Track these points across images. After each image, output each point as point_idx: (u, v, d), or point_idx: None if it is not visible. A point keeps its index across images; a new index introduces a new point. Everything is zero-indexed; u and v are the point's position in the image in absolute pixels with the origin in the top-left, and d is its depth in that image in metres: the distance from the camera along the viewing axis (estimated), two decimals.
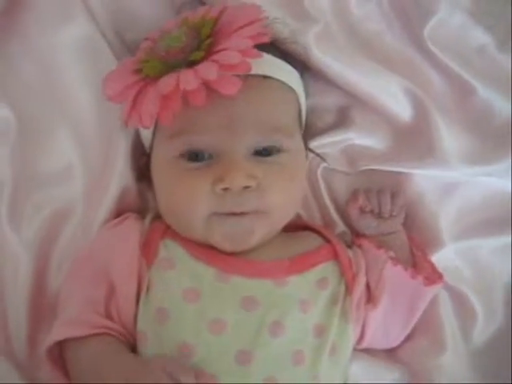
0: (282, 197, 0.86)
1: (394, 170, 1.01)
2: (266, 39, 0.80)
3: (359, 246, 0.97)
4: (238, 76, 0.78)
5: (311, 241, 0.95)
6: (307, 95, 0.97)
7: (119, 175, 0.96)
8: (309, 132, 1.00)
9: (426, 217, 1.01)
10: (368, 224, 0.99)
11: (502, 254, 1.02)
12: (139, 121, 0.79)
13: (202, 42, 0.81)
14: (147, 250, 0.88)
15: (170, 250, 0.88)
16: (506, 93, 1.00)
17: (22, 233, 0.95)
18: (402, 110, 1.01)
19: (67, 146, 0.97)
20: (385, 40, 1.03)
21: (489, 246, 1.02)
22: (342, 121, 1.03)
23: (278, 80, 0.88)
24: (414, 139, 1.01)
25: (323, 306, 0.88)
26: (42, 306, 0.94)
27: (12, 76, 0.96)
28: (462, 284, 1.00)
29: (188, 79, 0.76)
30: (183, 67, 0.80)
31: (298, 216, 0.99)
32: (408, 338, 0.97)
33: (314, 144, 1.01)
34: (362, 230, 1.00)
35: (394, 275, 0.92)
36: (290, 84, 0.91)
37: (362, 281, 0.92)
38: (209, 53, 0.80)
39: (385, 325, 0.93)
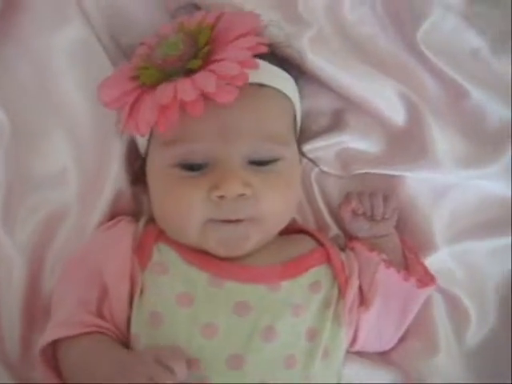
0: (277, 205, 0.87)
1: (387, 173, 1.01)
2: (264, 49, 0.80)
3: (352, 249, 0.97)
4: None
5: (305, 244, 0.95)
6: (301, 99, 0.97)
7: (113, 178, 0.96)
8: (303, 136, 1.00)
9: (419, 220, 1.02)
10: (360, 226, 0.99)
11: (494, 256, 1.02)
12: (136, 129, 0.79)
13: (199, 50, 0.81)
14: (141, 254, 0.88)
15: (163, 254, 0.88)
16: (499, 96, 1.01)
17: (16, 235, 0.95)
18: (396, 113, 1.02)
19: (61, 148, 0.97)
20: (378, 43, 1.03)
21: (481, 248, 1.02)
22: (335, 124, 1.04)
23: (273, 88, 0.88)
24: (407, 142, 1.01)
25: (316, 309, 0.88)
26: (35, 308, 0.95)
27: (7, 78, 0.96)
28: (454, 286, 1.01)
29: (186, 90, 0.76)
30: (180, 75, 0.80)
31: (292, 219, 0.99)
32: (401, 340, 0.98)
33: (307, 147, 1.01)
34: (355, 233, 1.00)
35: (386, 278, 0.93)
36: (285, 91, 0.91)
37: (354, 284, 0.92)
38: (206, 62, 0.80)
39: (378, 327, 0.94)
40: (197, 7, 0.96)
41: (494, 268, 1.03)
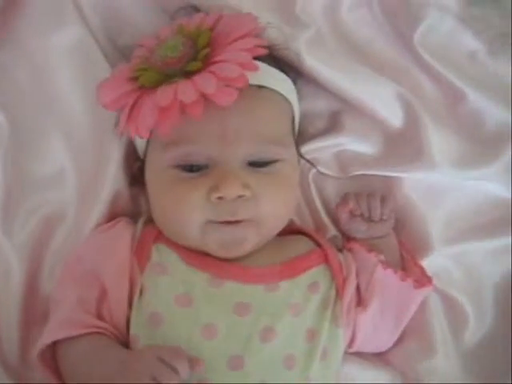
0: (276, 206, 0.87)
1: (384, 175, 1.02)
2: (263, 51, 0.81)
3: (350, 250, 0.98)
4: None
5: (303, 245, 0.95)
6: (299, 100, 0.98)
7: (112, 179, 0.96)
8: (300, 137, 1.00)
9: (417, 221, 1.02)
10: (358, 228, 0.99)
11: (492, 257, 1.03)
12: (136, 131, 0.79)
13: (198, 52, 0.81)
14: (139, 254, 0.88)
15: (162, 254, 0.88)
16: (497, 98, 1.02)
17: (14, 237, 0.95)
18: (393, 115, 1.02)
19: (60, 150, 0.97)
20: (376, 45, 1.04)
21: (479, 249, 1.03)
22: (333, 126, 1.04)
23: (272, 90, 0.89)
24: (404, 144, 1.01)
25: (314, 310, 0.88)
26: (33, 309, 0.94)
27: (5, 80, 0.96)
28: (452, 287, 1.01)
29: (186, 91, 0.76)
30: (180, 77, 0.80)
31: (290, 220, 0.99)
32: (399, 340, 0.98)
33: (305, 149, 1.01)
34: (352, 234, 1.00)
35: (384, 278, 0.93)
36: (284, 93, 0.91)
37: (352, 285, 0.92)
38: (206, 63, 0.80)
39: (375, 328, 0.94)
40: (196, 9, 0.96)
41: (491, 269, 1.03)
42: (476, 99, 1.01)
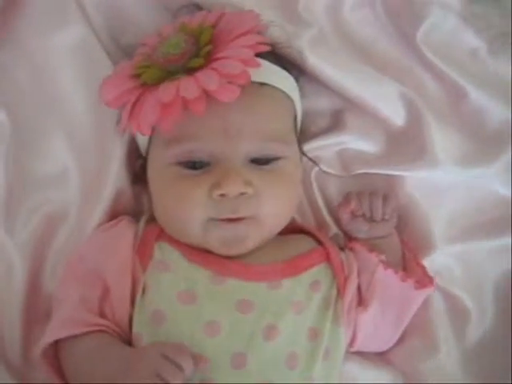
0: (278, 204, 0.87)
1: (387, 173, 1.02)
2: (265, 48, 0.81)
3: (351, 249, 0.97)
4: None
5: (305, 243, 0.95)
6: (302, 98, 0.97)
7: (114, 178, 0.96)
8: (303, 135, 1.00)
9: (419, 219, 1.02)
10: (359, 228, 0.99)
11: (494, 255, 1.02)
12: (138, 128, 0.79)
13: (200, 49, 0.81)
14: (142, 253, 0.88)
15: (164, 252, 0.88)
16: (499, 96, 1.02)
17: (17, 235, 0.95)
18: (395, 113, 1.02)
19: (62, 149, 0.97)
20: (378, 44, 1.04)
21: (481, 248, 1.03)
22: (335, 124, 1.04)
23: (274, 87, 0.89)
24: (407, 142, 1.02)
25: (316, 309, 0.88)
26: (36, 308, 0.94)
27: (7, 79, 0.96)
28: (454, 285, 1.01)
29: (188, 88, 0.76)
30: (182, 74, 0.80)
31: (292, 219, 0.99)
32: (401, 340, 0.98)
33: (307, 147, 1.01)
34: (354, 234, 1.00)
35: (384, 279, 0.93)
36: (286, 91, 0.91)
37: (353, 284, 0.92)
38: (208, 60, 0.80)
39: (376, 328, 0.94)
40: (198, 7, 0.96)
41: (493, 267, 1.03)
42: (478, 97, 1.01)
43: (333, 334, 0.88)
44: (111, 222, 0.94)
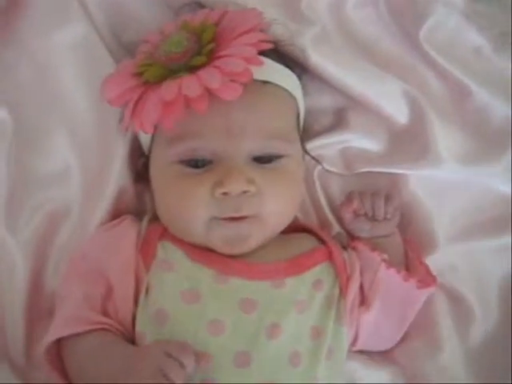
0: (281, 202, 0.87)
1: (390, 172, 1.02)
2: (268, 46, 0.81)
3: (354, 249, 0.97)
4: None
5: (307, 242, 0.95)
6: (304, 97, 0.97)
7: (116, 176, 0.96)
8: (305, 134, 1.00)
9: (422, 218, 1.02)
10: (362, 227, 0.99)
11: (497, 254, 1.02)
12: (140, 126, 0.79)
13: (203, 47, 0.81)
14: (145, 252, 0.88)
15: (167, 251, 0.88)
16: (502, 94, 1.01)
17: (19, 233, 0.94)
18: (399, 111, 1.02)
19: (64, 147, 0.97)
20: (381, 42, 1.04)
21: (485, 246, 1.02)
22: (338, 122, 1.04)
23: (277, 85, 0.89)
24: (410, 141, 1.01)
25: (319, 308, 0.88)
26: (38, 307, 0.94)
27: (9, 78, 0.96)
28: (457, 284, 1.01)
29: (191, 86, 0.76)
30: (184, 72, 0.80)
31: (295, 217, 0.98)
32: (404, 339, 0.97)
33: (310, 146, 1.01)
34: (356, 233, 1.00)
35: (387, 278, 0.93)
36: (289, 89, 0.91)
37: (355, 283, 0.92)
38: (210, 58, 0.80)
39: (378, 327, 0.93)
40: (200, 5, 0.96)
41: (497, 266, 1.02)
42: (481, 96, 1.01)
43: (335, 333, 0.88)
44: (114, 221, 0.94)
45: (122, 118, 0.86)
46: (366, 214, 0.98)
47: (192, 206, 0.85)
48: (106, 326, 0.83)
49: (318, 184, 1.03)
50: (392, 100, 1.02)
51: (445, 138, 1.00)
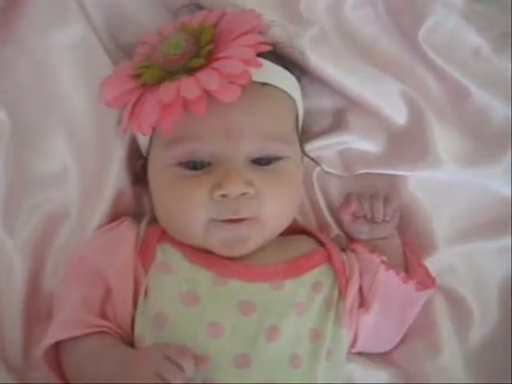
0: (279, 204, 0.87)
1: (389, 173, 1.01)
2: (267, 48, 0.81)
3: (353, 250, 0.97)
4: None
5: (306, 244, 0.95)
6: (303, 98, 0.97)
7: (115, 178, 0.95)
8: (304, 135, 1.00)
9: (421, 219, 1.01)
10: (360, 229, 0.99)
11: (497, 255, 1.02)
12: (139, 128, 0.79)
13: (201, 49, 0.81)
14: (144, 254, 0.88)
15: (166, 254, 0.88)
16: (502, 95, 1.01)
17: (17, 235, 0.94)
18: (398, 113, 1.02)
19: (62, 148, 0.96)
20: (380, 43, 1.03)
21: (484, 248, 1.02)
22: (337, 124, 1.04)
23: (276, 87, 0.88)
24: (409, 142, 1.01)
25: (318, 310, 0.88)
26: (36, 308, 0.94)
27: (7, 78, 0.96)
28: (457, 286, 1.01)
29: (189, 88, 0.76)
30: (182, 74, 0.80)
31: (294, 219, 0.98)
32: (403, 340, 0.97)
33: (309, 147, 1.01)
34: (355, 235, 1.00)
35: (386, 280, 0.92)
36: (288, 90, 0.91)
37: (354, 285, 0.92)
38: (209, 60, 0.80)
39: (377, 329, 0.93)
40: (199, 7, 0.96)
41: (496, 267, 1.02)
42: (481, 97, 1.01)
43: (334, 335, 0.88)
44: (113, 224, 0.94)
45: (120, 119, 0.86)
46: (364, 216, 0.98)
47: (191, 208, 0.84)
48: (104, 329, 0.82)
49: (316, 185, 1.03)
50: (391, 101, 1.02)
51: (444, 139, 1.00)
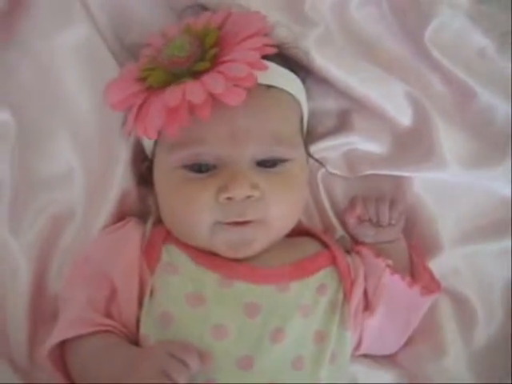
0: (285, 206, 0.87)
1: (394, 175, 1.01)
2: (272, 50, 0.80)
3: (358, 253, 0.97)
4: None
5: (311, 246, 0.94)
6: (308, 99, 0.97)
7: (120, 179, 0.95)
8: (309, 136, 1.00)
9: (426, 221, 1.01)
10: (366, 233, 0.99)
11: (502, 257, 1.02)
12: (144, 132, 0.79)
13: (206, 52, 0.81)
14: (149, 255, 0.88)
15: (172, 255, 0.88)
16: (506, 96, 1.01)
17: (22, 236, 0.94)
18: (403, 113, 1.02)
19: (67, 149, 0.96)
20: (385, 44, 1.03)
21: (489, 249, 1.02)
22: (342, 125, 1.04)
23: (281, 89, 0.88)
24: (414, 143, 1.01)
25: (323, 312, 0.88)
26: (41, 309, 0.94)
27: (12, 80, 0.96)
28: (462, 288, 1.01)
29: (194, 92, 0.76)
30: (187, 77, 0.79)
31: (298, 221, 0.98)
32: (408, 342, 0.97)
33: (314, 148, 1.01)
34: (360, 239, 1.00)
35: (391, 284, 0.92)
36: (293, 93, 0.90)
37: (359, 288, 0.92)
38: (214, 63, 0.80)
39: (382, 332, 0.93)
40: (203, 8, 0.95)
41: (501, 269, 1.02)
42: (486, 97, 1.01)
43: (339, 337, 0.88)
44: (118, 224, 0.94)
45: (125, 121, 0.85)
46: (370, 220, 0.98)
47: (196, 211, 0.84)
48: (109, 328, 0.83)
49: (321, 187, 1.03)
50: (395, 102, 1.01)
51: (449, 139, 1.00)
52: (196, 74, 0.79)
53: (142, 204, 0.99)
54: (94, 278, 0.87)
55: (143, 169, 0.96)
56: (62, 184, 0.96)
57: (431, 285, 0.94)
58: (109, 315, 0.84)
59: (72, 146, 0.96)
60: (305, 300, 0.87)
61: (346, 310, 0.89)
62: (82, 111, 0.96)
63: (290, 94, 0.90)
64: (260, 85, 0.81)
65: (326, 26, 1.00)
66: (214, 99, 0.76)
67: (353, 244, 1.01)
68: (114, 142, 0.96)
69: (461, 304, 1.00)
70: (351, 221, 0.99)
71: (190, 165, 0.85)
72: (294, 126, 0.92)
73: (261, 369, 0.82)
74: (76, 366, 0.83)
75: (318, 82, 1.00)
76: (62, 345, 0.84)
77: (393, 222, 0.98)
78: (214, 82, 0.76)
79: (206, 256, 0.88)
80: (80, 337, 0.82)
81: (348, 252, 0.97)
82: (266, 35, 0.83)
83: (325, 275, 0.91)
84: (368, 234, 0.98)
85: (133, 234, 0.90)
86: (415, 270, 0.97)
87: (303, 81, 0.95)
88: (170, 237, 0.90)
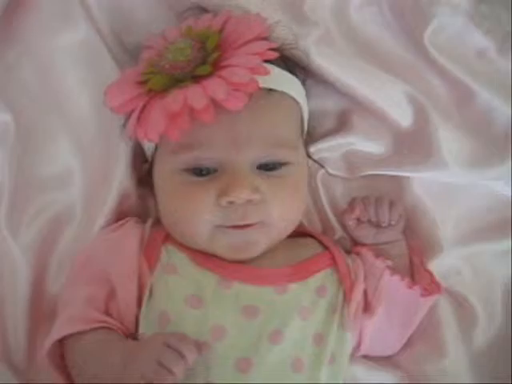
0: (285, 209, 0.87)
1: (393, 175, 1.01)
2: (273, 55, 0.80)
3: (357, 254, 0.97)
4: None
5: (311, 248, 0.95)
6: (308, 100, 0.97)
7: (119, 180, 0.95)
8: (309, 137, 1.00)
9: (426, 221, 1.01)
10: (366, 234, 0.99)
11: (502, 257, 1.02)
12: (145, 136, 0.79)
13: (207, 56, 0.81)
14: (149, 255, 0.88)
15: (171, 255, 0.88)
16: (506, 96, 1.01)
17: (21, 237, 0.94)
18: (402, 114, 1.01)
19: (67, 150, 0.97)
20: (385, 44, 1.03)
21: (489, 249, 1.02)
22: (341, 125, 1.03)
23: (282, 92, 0.88)
24: (414, 144, 1.01)
25: (322, 314, 0.88)
26: (40, 310, 0.94)
27: (12, 81, 0.96)
28: (462, 288, 1.01)
29: (196, 97, 0.75)
30: (189, 81, 0.79)
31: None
32: (408, 343, 0.97)
33: (313, 149, 1.01)
34: (360, 240, 1.00)
35: (390, 285, 0.92)
36: (293, 95, 0.90)
37: (359, 289, 0.92)
38: (215, 67, 0.79)
39: (382, 333, 0.93)
40: (204, 10, 0.95)
41: (501, 269, 1.02)
42: (486, 98, 1.01)
43: (339, 339, 0.88)
44: (117, 223, 0.94)
45: (125, 123, 0.85)
46: (369, 221, 0.98)
47: (197, 215, 0.84)
48: (108, 325, 0.83)
49: (321, 188, 1.03)
50: (395, 102, 1.01)
51: (448, 140, 1.00)
52: (197, 78, 0.79)
53: (142, 205, 0.99)
54: (94, 278, 0.87)
55: (143, 171, 0.97)
56: (62, 185, 0.96)
57: (431, 286, 0.94)
58: (108, 314, 0.85)
59: (72, 146, 0.97)
60: (304, 302, 0.87)
61: (345, 311, 0.90)
62: (82, 112, 0.97)
63: (291, 97, 0.90)
64: (261, 88, 0.81)
65: (325, 26, 1.00)
66: (215, 104, 0.76)
67: (352, 245, 1.01)
68: (113, 143, 0.96)
69: (461, 305, 1.00)
70: (350, 222, 0.99)
71: (191, 168, 0.85)
72: (294, 128, 0.92)
73: (259, 371, 0.82)
74: (74, 363, 0.84)
75: (318, 83, 1.00)
76: (61, 344, 0.84)
77: (392, 222, 0.98)
78: (215, 87, 0.76)
79: (206, 257, 0.88)
80: (79, 334, 0.82)
81: (348, 253, 0.97)
82: (266, 38, 0.83)
83: (324, 276, 0.91)
84: (368, 234, 0.98)
85: (132, 233, 0.91)
86: (415, 270, 0.97)
87: (303, 82, 0.95)
88: (169, 237, 0.90)
